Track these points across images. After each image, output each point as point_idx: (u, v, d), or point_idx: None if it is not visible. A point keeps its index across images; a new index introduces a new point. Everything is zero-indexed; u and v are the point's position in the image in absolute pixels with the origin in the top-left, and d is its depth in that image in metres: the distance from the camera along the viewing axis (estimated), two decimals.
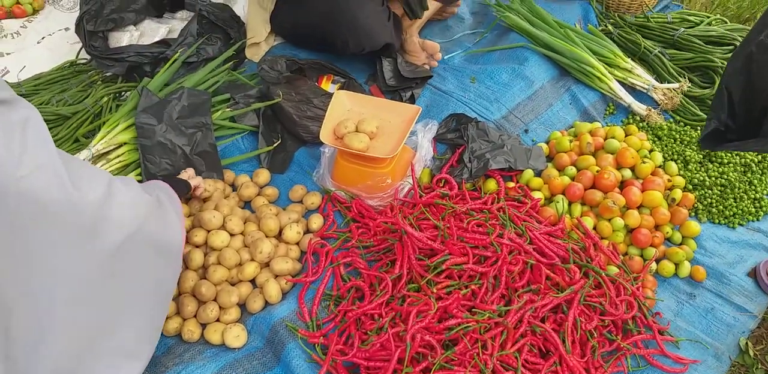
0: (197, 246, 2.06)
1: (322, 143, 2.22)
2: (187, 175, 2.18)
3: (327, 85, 2.69)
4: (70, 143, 2.35)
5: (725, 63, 2.70)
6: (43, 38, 2.94)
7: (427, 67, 2.78)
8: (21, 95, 2.47)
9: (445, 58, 2.86)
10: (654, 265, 2.12)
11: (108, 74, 2.68)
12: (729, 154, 2.46)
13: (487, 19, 3.08)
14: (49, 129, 2.31)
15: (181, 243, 1.77)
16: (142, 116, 2.28)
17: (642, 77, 2.70)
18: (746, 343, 1.97)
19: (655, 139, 2.55)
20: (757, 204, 2.36)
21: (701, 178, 2.38)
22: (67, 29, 2.98)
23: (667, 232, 2.21)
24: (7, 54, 2.84)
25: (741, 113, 1.76)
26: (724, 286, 2.10)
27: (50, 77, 2.64)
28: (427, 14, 2.91)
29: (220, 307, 1.95)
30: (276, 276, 2.03)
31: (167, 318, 1.91)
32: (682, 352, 1.92)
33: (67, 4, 3.15)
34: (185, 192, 2.09)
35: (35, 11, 3.11)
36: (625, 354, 1.86)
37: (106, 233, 1.49)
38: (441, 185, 2.26)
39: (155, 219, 1.66)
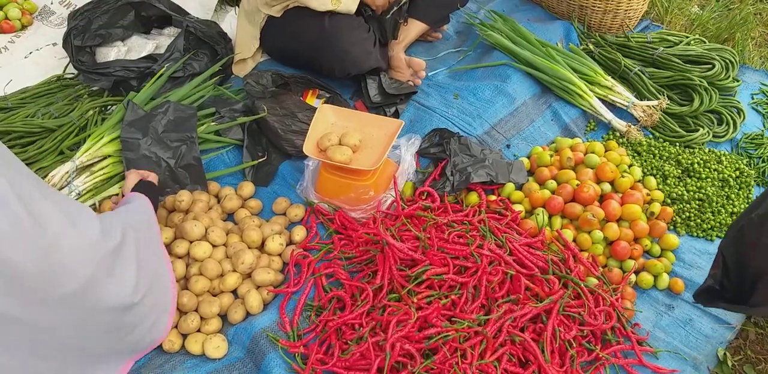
0: (179, 257, 2.06)
1: (306, 156, 2.25)
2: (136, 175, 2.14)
3: (312, 100, 2.72)
4: (54, 155, 2.35)
5: (703, 81, 2.75)
6: (30, 53, 2.96)
7: (411, 83, 2.81)
8: (6, 108, 2.51)
9: (429, 75, 2.90)
10: (633, 277, 2.14)
11: (94, 88, 2.70)
12: (707, 169, 2.49)
13: (471, 38, 3.13)
14: (34, 141, 2.37)
15: (130, 300, 1.68)
16: (128, 129, 2.30)
17: (622, 94, 2.75)
18: (724, 354, 1.98)
19: (635, 154, 2.59)
20: (735, 218, 2.38)
21: (680, 193, 2.41)
22: (54, 44, 3.00)
23: (646, 245, 2.23)
24: None
25: (734, 278, 1.75)
26: None
27: (36, 91, 2.65)
28: (413, 35, 2.95)
29: (201, 318, 1.95)
30: (258, 287, 2.04)
31: None
32: (661, 362, 1.94)
33: (56, 20, 3.17)
34: (159, 195, 2.08)
35: (24, 27, 3.13)
36: (604, 363, 1.87)
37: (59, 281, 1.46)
38: (423, 198, 2.28)
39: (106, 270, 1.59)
